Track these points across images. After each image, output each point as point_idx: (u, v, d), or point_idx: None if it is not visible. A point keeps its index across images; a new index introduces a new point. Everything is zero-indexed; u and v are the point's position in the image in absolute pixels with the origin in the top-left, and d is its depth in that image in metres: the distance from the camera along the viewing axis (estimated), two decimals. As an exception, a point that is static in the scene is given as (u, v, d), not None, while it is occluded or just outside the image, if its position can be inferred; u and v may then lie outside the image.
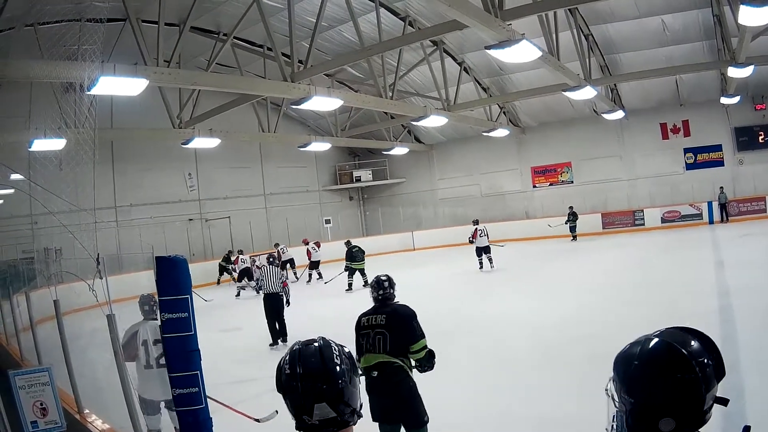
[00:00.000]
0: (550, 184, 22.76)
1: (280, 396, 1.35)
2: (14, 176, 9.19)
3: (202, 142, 15.08)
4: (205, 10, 12.41)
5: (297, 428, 1.34)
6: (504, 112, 21.18)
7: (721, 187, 19.17)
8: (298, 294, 12.74)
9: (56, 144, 9.00)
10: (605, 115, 18.33)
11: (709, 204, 19.43)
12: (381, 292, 3.85)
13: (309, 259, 16.48)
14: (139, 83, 8.89)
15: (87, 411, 4.54)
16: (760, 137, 18.85)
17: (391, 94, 14.23)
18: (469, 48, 16.66)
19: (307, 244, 16.86)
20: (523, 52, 9.02)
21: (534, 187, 23.08)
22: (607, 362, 1.31)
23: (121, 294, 4.12)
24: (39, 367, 3.81)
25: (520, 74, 17.84)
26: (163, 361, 4.00)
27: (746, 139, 19.06)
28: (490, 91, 19.20)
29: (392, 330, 3.59)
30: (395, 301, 3.90)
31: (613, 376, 1.29)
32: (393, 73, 14.97)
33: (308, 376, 1.30)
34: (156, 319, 4.51)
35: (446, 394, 4.91)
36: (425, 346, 3.65)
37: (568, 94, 13.98)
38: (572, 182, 22.30)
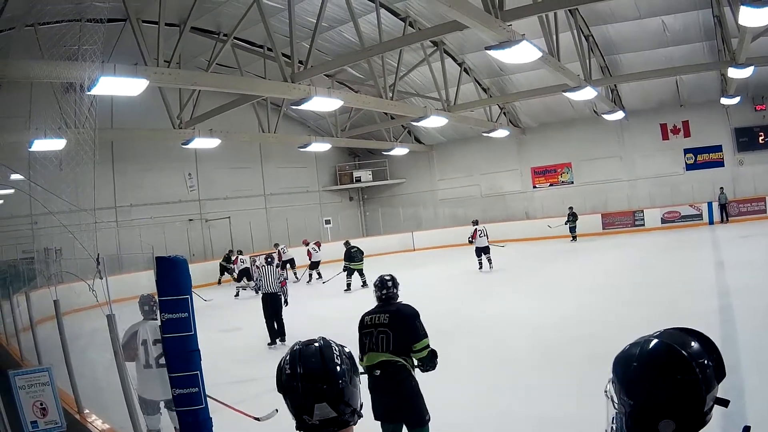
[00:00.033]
0: (550, 185, 22.76)
1: (281, 396, 1.35)
2: (14, 176, 9.17)
3: (202, 143, 15.08)
4: (205, 10, 12.41)
5: (297, 428, 1.34)
6: (504, 113, 21.18)
7: (721, 188, 19.18)
8: (297, 294, 12.77)
9: (56, 144, 9.00)
10: (605, 116, 18.32)
11: (709, 204, 19.44)
12: (385, 291, 3.88)
13: (309, 259, 16.49)
14: (140, 83, 8.89)
15: (87, 411, 4.54)
16: (760, 138, 18.86)
17: (391, 94, 14.24)
18: (469, 48, 16.66)
19: (307, 244, 16.86)
20: (524, 53, 9.02)
21: (534, 187, 23.09)
22: (607, 362, 1.31)
23: (121, 294, 4.12)
24: (39, 367, 3.81)
25: (521, 75, 17.85)
26: (162, 360, 4.00)
27: (746, 139, 19.07)
28: (491, 91, 19.21)
29: (395, 329, 3.61)
30: (398, 300, 3.92)
31: (613, 378, 1.28)
32: (393, 74, 14.98)
33: (309, 376, 1.30)
34: (156, 319, 4.52)
35: (446, 394, 4.91)
36: (428, 346, 3.66)
37: (568, 94, 13.99)
38: (572, 183, 22.30)
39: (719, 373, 1.19)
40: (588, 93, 13.79)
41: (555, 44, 11.66)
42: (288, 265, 17.26)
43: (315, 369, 1.31)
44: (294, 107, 13.65)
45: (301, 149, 19.45)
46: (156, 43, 9.56)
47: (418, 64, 16.45)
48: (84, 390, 4.63)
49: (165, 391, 3.77)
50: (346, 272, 14.06)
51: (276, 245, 18.25)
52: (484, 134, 20.35)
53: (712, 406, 1.18)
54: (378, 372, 3.55)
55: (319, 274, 16.38)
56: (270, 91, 12.56)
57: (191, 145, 15.25)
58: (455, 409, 4.95)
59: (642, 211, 20.49)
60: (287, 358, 1.36)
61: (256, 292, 11.12)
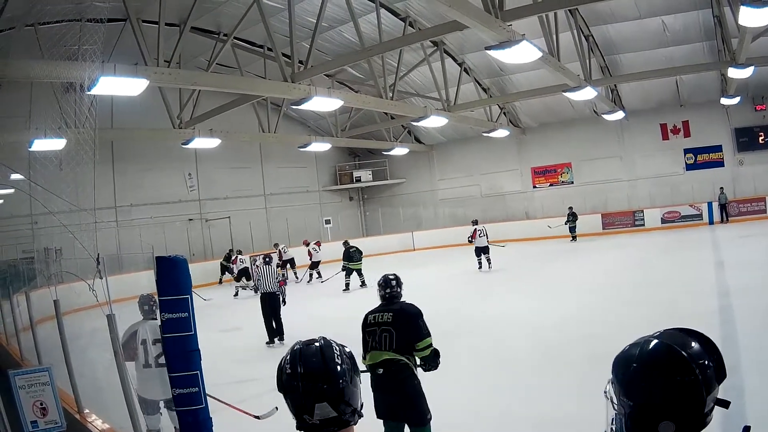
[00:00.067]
0: (550, 185, 22.77)
1: (281, 395, 1.35)
2: (14, 176, 9.18)
3: (202, 143, 15.08)
4: (205, 10, 12.41)
5: (298, 428, 1.34)
6: (504, 113, 21.18)
7: (721, 188, 19.18)
8: (297, 294, 12.77)
9: (56, 144, 8.99)
10: (605, 116, 18.33)
11: (709, 204, 19.45)
12: (389, 290, 3.92)
13: (310, 259, 16.50)
14: (140, 83, 8.90)
15: (87, 411, 4.53)
16: (760, 138, 18.87)
17: (391, 94, 14.24)
18: (469, 48, 16.66)
19: (307, 245, 16.87)
20: (524, 53, 9.03)
21: (534, 187, 23.09)
22: (608, 362, 1.30)
23: (121, 294, 4.12)
24: (39, 367, 3.81)
25: (521, 75, 17.85)
26: (161, 360, 4.00)
27: (746, 139, 19.08)
28: (491, 91, 19.21)
29: (399, 327, 3.63)
30: (402, 300, 3.95)
31: (612, 378, 1.27)
32: (393, 74, 14.98)
33: (309, 375, 1.30)
34: (155, 319, 4.52)
35: (446, 394, 4.91)
36: (431, 345, 3.68)
37: (568, 94, 13.99)
38: (572, 183, 22.31)
39: (720, 374, 1.18)
40: (588, 93, 13.79)
41: (555, 44, 11.66)
42: (288, 265, 17.28)
43: (316, 369, 1.31)
44: (294, 107, 13.64)
45: (301, 149, 19.45)
46: (156, 43, 9.56)
47: (418, 64, 16.45)
48: (84, 390, 4.63)
49: (164, 390, 3.77)
50: (344, 272, 14.08)
51: (276, 245, 18.26)
52: (484, 134, 20.35)
53: (712, 408, 1.17)
54: (381, 370, 3.57)
55: (319, 273, 16.40)
56: (270, 91, 12.56)
57: (191, 145, 15.25)
58: (455, 409, 4.95)
59: (642, 211, 20.49)
60: (288, 357, 1.36)
61: (255, 292, 11.15)
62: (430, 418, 3.63)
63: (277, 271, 9.34)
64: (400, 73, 15.37)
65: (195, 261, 17.67)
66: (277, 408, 3.80)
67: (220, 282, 17.91)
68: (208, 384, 3.44)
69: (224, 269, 17.92)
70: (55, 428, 3.54)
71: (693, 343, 1.20)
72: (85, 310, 4.56)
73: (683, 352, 1.17)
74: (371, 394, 3.60)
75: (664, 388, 1.15)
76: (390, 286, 3.92)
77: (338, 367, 1.32)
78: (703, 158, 19.96)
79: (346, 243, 14.77)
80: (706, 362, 1.17)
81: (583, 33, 14.63)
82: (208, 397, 3.42)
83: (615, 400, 1.27)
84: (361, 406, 1.38)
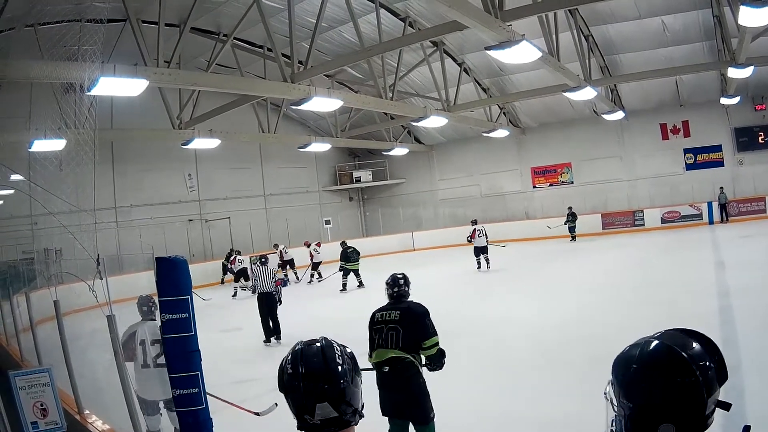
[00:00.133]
0: (550, 185, 22.77)
1: (282, 395, 1.36)
2: (14, 177, 9.17)
3: (202, 143, 15.08)
4: (205, 10, 12.41)
5: (299, 428, 1.34)
6: (504, 113, 21.18)
7: (721, 188, 19.18)
8: (296, 294, 12.80)
9: (56, 144, 8.99)
10: (605, 116, 18.32)
11: (709, 204, 19.45)
12: (396, 289, 3.96)
13: (311, 260, 16.50)
14: (139, 84, 8.89)
15: (87, 411, 4.54)
16: (760, 138, 18.86)
17: (391, 94, 14.23)
18: (469, 49, 16.66)
19: (308, 246, 16.87)
20: (523, 53, 9.02)
21: (534, 187, 23.09)
22: (608, 363, 1.30)
23: (121, 295, 4.12)
24: (39, 368, 3.81)
25: (520, 75, 17.85)
26: (160, 360, 4.00)
27: (746, 139, 19.08)
28: (490, 91, 19.21)
29: (405, 326, 3.66)
30: (409, 299, 3.98)
31: (612, 379, 1.26)
32: (393, 74, 14.97)
33: (310, 375, 1.30)
34: (154, 320, 4.52)
35: (447, 395, 4.90)
36: (437, 343, 3.71)
37: (568, 94, 13.99)
38: (572, 183, 22.31)
39: (721, 375, 1.17)
40: (588, 93, 13.79)
41: (555, 44, 11.66)
42: (288, 266, 17.29)
43: (317, 369, 1.31)
44: (294, 107, 13.64)
45: (301, 149, 19.44)
46: (156, 44, 9.56)
47: (417, 64, 16.45)
48: (84, 390, 4.63)
49: (164, 391, 3.77)
50: (341, 272, 14.08)
51: (276, 246, 18.27)
52: (484, 134, 20.35)
53: (713, 410, 1.15)
54: (387, 368, 3.60)
55: (319, 274, 16.41)
56: (270, 91, 12.55)
57: (191, 146, 15.25)
58: (456, 409, 4.94)
59: (642, 211, 20.49)
60: (289, 357, 1.36)
61: (253, 292, 11.17)
62: (433, 417, 3.65)
63: (276, 272, 9.37)
64: (400, 73, 15.37)
65: (195, 262, 17.66)
66: (276, 404, 3.80)
67: (222, 282, 17.91)
68: (209, 384, 3.45)
69: (226, 269, 17.92)
70: (55, 429, 3.54)
71: (694, 344, 1.19)
72: (85, 311, 4.57)
73: (684, 353, 1.16)
74: (376, 392, 3.62)
75: (665, 389, 1.14)
76: (398, 285, 3.96)
77: (339, 368, 1.32)
78: (702, 158, 19.96)
79: (343, 243, 14.80)
80: (707, 363, 1.16)
81: (582, 33, 14.63)
82: (208, 397, 3.42)
83: (615, 402, 1.25)
84: (362, 406, 1.38)
